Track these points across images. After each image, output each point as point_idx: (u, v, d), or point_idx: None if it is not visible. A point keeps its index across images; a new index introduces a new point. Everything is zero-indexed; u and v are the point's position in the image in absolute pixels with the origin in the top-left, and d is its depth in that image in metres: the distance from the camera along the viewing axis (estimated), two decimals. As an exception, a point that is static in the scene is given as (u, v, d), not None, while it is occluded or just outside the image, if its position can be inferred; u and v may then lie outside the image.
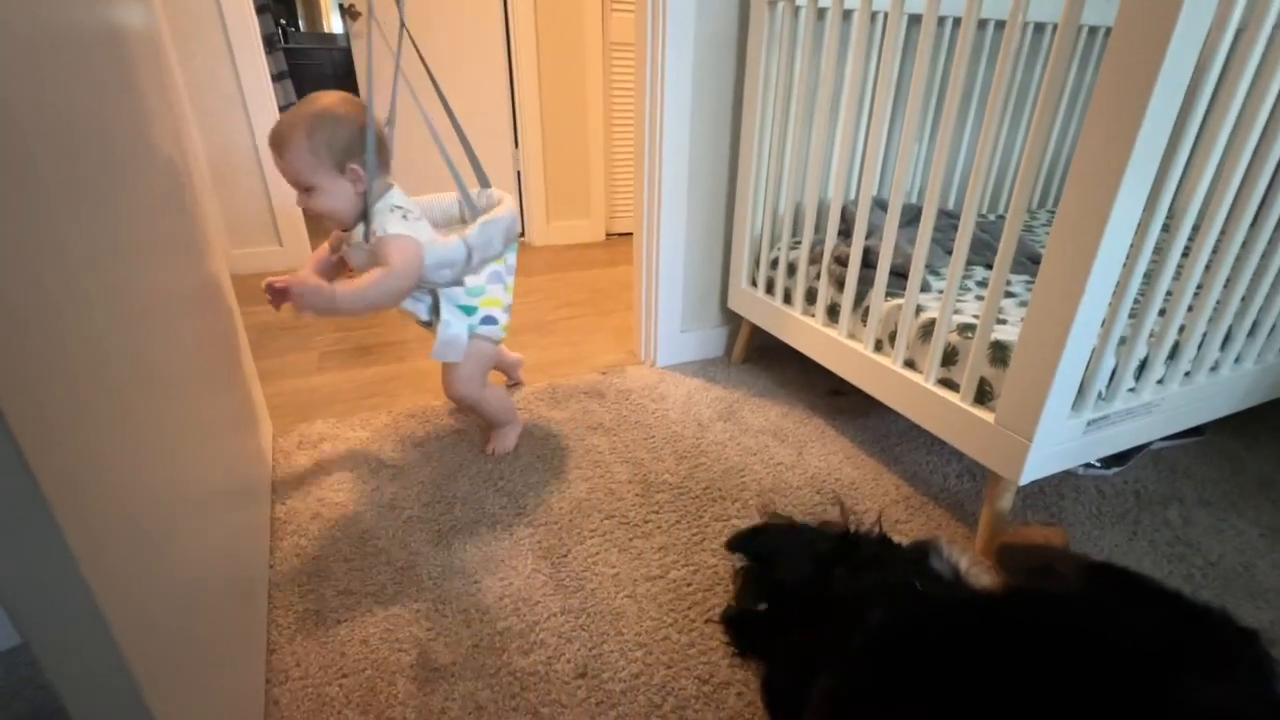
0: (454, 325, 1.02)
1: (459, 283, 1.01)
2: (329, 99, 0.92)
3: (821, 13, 1.24)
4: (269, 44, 2.82)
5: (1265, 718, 0.44)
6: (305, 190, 0.92)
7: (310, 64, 3.80)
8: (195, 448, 0.64)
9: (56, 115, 0.43)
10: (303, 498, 1.03)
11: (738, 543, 0.88)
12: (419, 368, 1.52)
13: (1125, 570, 0.62)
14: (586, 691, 0.73)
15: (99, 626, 0.37)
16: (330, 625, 0.80)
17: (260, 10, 2.31)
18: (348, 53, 3.08)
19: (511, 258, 1.09)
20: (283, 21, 3.94)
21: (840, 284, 1.14)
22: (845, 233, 1.22)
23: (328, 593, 0.85)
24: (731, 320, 1.59)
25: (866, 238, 1.08)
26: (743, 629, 0.76)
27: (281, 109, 3.01)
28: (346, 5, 2.50)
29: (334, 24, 4.25)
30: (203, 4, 1.90)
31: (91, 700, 0.38)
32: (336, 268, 1.05)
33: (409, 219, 0.95)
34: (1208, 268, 0.88)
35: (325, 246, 1.05)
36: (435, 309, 1.03)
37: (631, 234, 2.42)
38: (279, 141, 0.89)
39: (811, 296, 1.24)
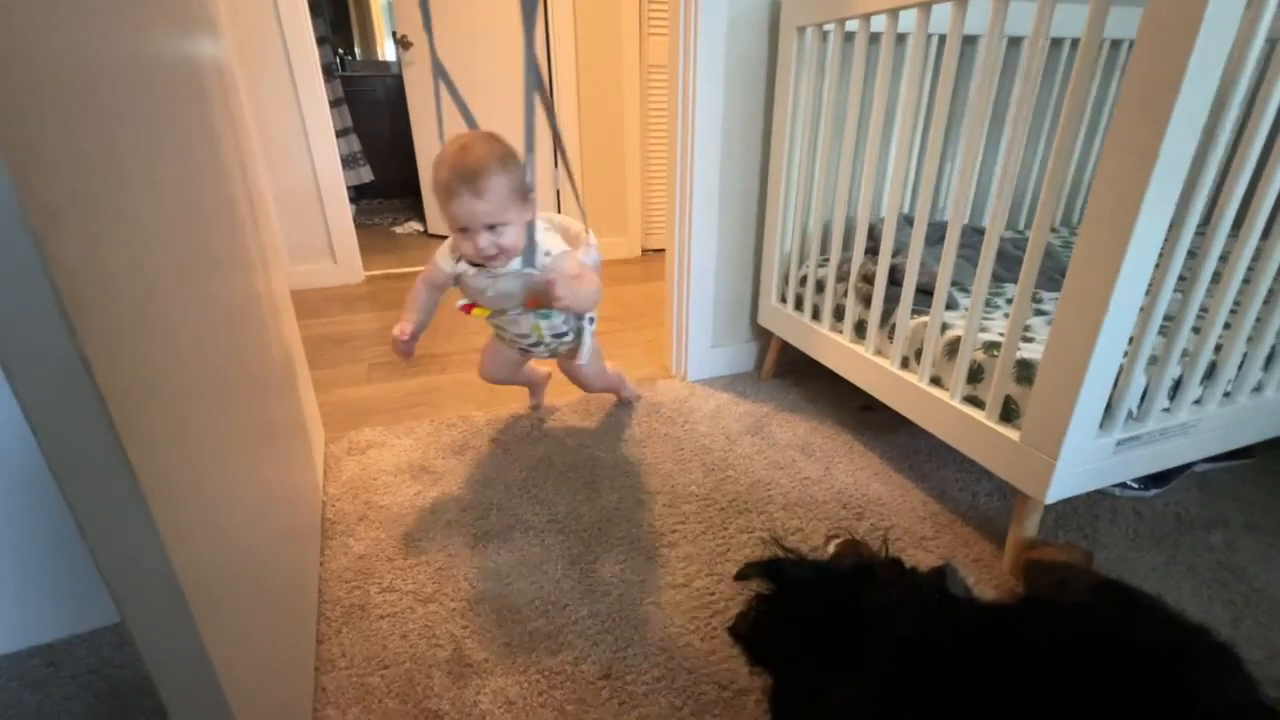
0: (590, 332, 1.15)
1: None
2: (488, 138, 0.92)
3: (849, 36, 1.26)
4: (327, 72, 3.00)
5: (1261, 712, 0.46)
6: (492, 228, 0.91)
7: (365, 90, 4.01)
8: (260, 448, 0.70)
9: (144, 138, 0.50)
10: (351, 500, 1.10)
11: (747, 574, 0.88)
12: (461, 379, 1.59)
13: (1128, 586, 0.63)
14: (610, 692, 0.76)
15: (182, 606, 0.42)
16: (374, 620, 0.86)
17: (320, 41, 2.48)
18: (399, 79, 3.25)
19: None
20: (340, 51, 4.18)
21: (867, 301, 1.16)
22: (873, 250, 1.23)
23: (372, 589, 0.91)
24: (761, 336, 1.61)
25: (893, 256, 1.09)
26: (752, 643, 0.78)
27: (339, 133, 3.19)
28: (400, 36, 2.64)
29: (388, 52, 4.48)
30: (268, 37, 2.05)
31: (173, 671, 0.44)
32: (433, 308, 1.10)
33: (551, 234, 1.03)
34: (1246, 282, 0.87)
35: (418, 291, 1.06)
36: (566, 320, 1.11)
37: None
38: (476, 181, 0.87)
39: (839, 313, 1.25)
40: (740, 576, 0.81)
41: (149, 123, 0.51)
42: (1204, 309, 0.87)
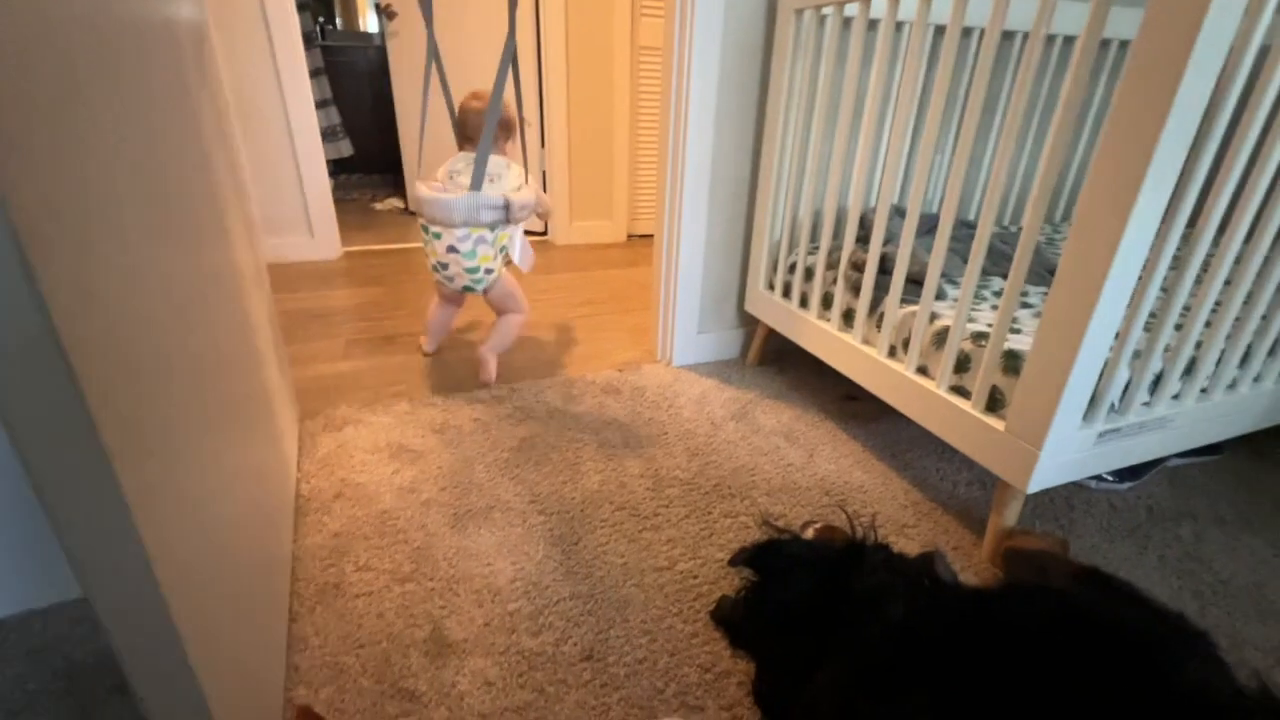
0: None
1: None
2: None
3: (847, 22, 1.25)
4: (307, 41, 2.90)
5: (1237, 696, 0.47)
6: None
7: (345, 61, 3.89)
8: (234, 422, 0.67)
9: (120, 101, 0.47)
10: (326, 477, 1.07)
11: (741, 560, 0.87)
12: (441, 358, 1.56)
13: (1107, 574, 0.64)
14: (592, 673, 0.75)
15: (151, 584, 0.40)
16: (349, 598, 0.84)
17: (300, 8, 2.39)
18: (382, 50, 3.16)
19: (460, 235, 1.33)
20: (321, 19, 4.04)
21: (856, 290, 1.15)
22: (863, 239, 1.23)
23: (347, 568, 0.88)
24: (748, 323, 1.61)
25: (884, 245, 1.09)
26: (734, 627, 0.77)
27: (318, 105, 3.10)
28: (383, 6, 2.56)
29: (369, 23, 4.35)
30: (247, 1, 1.97)
31: (141, 648, 0.42)
32: None
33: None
34: (1228, 283, 0.88)
35: None
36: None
37: (652, 236, 2.44)
38: None
39: (827, 301, 1.25)
40: (735, 562, 0.80)
41: (118, 78, 0.48)
42: (1186, 307, 0.89)
